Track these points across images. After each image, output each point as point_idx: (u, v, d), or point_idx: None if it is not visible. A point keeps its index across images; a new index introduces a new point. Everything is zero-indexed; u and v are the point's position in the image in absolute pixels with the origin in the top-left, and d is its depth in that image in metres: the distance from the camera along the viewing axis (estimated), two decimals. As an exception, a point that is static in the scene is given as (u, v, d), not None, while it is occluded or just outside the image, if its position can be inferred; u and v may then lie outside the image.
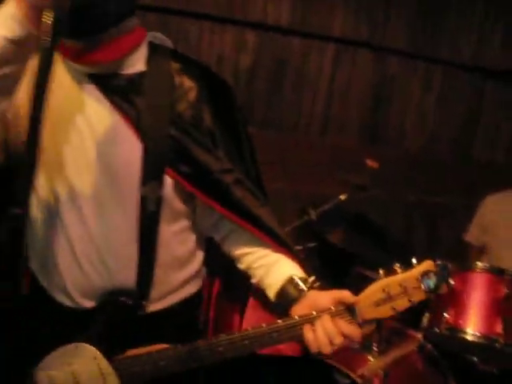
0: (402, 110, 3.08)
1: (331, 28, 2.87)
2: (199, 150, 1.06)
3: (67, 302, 1.09)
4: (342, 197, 2.37)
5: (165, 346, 1.06)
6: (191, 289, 1.20)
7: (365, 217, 2.90)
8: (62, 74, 1.04)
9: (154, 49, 1.09)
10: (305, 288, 1.07)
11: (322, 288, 1.09)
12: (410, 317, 2.17)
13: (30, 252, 1.14)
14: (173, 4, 2.59)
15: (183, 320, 1.20)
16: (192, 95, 1.07)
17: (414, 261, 1.01)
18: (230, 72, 2.81)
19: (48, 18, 0.74)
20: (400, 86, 3.06)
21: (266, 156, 2.89)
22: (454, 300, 1.91)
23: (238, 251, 1.17)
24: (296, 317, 1.03)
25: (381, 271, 1.03)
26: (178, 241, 1.13)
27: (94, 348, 1.05)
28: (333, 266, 2.84)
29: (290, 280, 1.09)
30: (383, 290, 1.00)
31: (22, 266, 1.05)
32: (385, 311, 1.02)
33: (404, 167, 3.09)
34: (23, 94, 0.99)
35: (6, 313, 1.08)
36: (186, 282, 1.18)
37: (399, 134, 3.10)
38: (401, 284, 1.00)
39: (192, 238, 1.16)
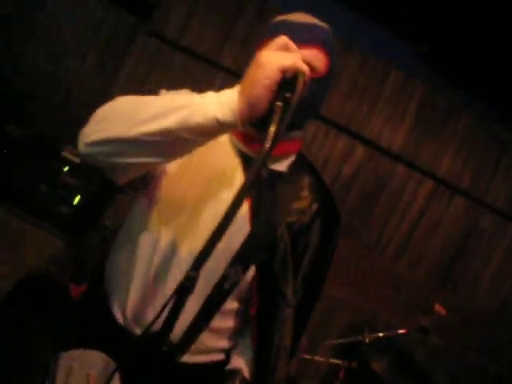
0: (482, 267, 3.06)
1: (436, 166, 2.97)
2: (286, 270, 1.15)
3: (118, 318, 1.18)
4: (401, 331, 2.35)
5: None
6: (221, 356, 1.26)
7: (413, 357, 2.84)
8: (225, 142, 1.19)
9: (300, 159, 1.23)
10: None
11: None
12: None
13: (112, 266, 1.26)
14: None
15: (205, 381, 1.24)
16: (310, 213, 1.18)
17: None
18: (332, 176, 2.96)
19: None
20: (487, 242, 3.06)
21: (337, 262, 2.98)
22: None
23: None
24: None
25: None
26: (229, 316, 1.20)
27: (116, 366, 1.10)
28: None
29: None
30: None
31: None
32: None
33: (470, 323, 3.02)
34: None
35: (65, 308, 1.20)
36: (221, 350, 1.24)
37: (473, 289, 3.05)
38: None
39: (238, 318, 1.23)
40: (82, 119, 2.64)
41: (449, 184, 2.99)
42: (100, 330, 1.20)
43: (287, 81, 0.89)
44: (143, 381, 1.11)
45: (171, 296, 0.85)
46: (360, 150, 2.97)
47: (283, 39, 0.95)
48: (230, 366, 1.23)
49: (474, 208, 3.03)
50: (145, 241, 1.17)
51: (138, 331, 1.16)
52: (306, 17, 1.15)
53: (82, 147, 1.03)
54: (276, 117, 0.85)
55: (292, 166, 1.20)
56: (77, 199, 2.42)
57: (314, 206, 1.18)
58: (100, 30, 2.98)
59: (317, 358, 2.61)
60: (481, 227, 3.06)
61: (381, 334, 2.36)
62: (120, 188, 2.68)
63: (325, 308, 2.95)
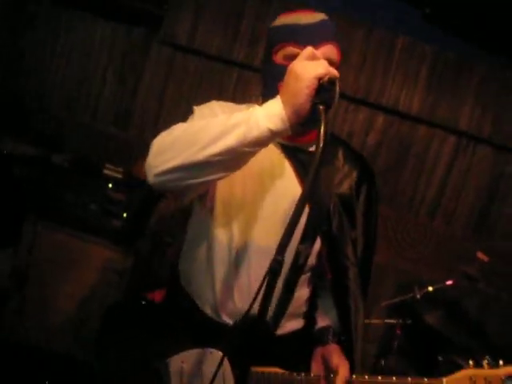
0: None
1: (456, 121, 3.05)
2: (344, 234, 1.35)
3: (210, 314, 1.34)
4: (449, 282, 2.48)
5: (280, 370, 1.29)
6: (303, 322, 1.44)
7: (465, 306, 2.96)
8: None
9: (331, 137, 1.39)
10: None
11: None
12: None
13: (188, 268, 1.42)
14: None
15: (293, 348, 1.41)
16: (352, 181, 1.38)
17: (501, 362, 1.16)
18: (357, 147, 3.05)
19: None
20: (517, 185, 3.14)
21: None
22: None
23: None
24: (425, 379, 1.21)
25: (471, 362, 1.18)
26: (305, 286, 1.39)
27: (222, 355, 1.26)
28: (425, 347, 2.90)
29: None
30: (470, 379, 1.15)
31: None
32: None
33: (510, 265, 3.12)
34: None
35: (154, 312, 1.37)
36: (301, 317, 1.43)
37: (509, 232, 3.14)
38: (486, 378, 1.14)
39: (312, 285, 1.43)
40: (113, 135, 2.82)
41: (471, 135, 3.07)
42: (194, 327, 1.35)
43: (324, 85, 1.04)
44: (250, 363, 1.25)
45: (263, 280, 0.98)
46: (380, 119, 3.07)
47: (309, 50, 1.10)
48: (318, 326, 1.43)
49: (499, 154, 3.11)
50: (217, 240, 1.33)
51: (229, 320, 1.32)
52: (308, 15, 1.26)
53: (151, 178, 1.14)
54: (322, 119, 1.01)
55: (327, 146, 1.34)
56: (126, 211, 2.58)
57: (354, 173, 1.39)
58: (114, 48, 3.11)
59: (373, 321, 2.76)
60: (508, 172, 3.14)
61: (430, 289, 2.50)
62: (162, 195, 2.84)
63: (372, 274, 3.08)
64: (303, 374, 1.28)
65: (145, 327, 1.42)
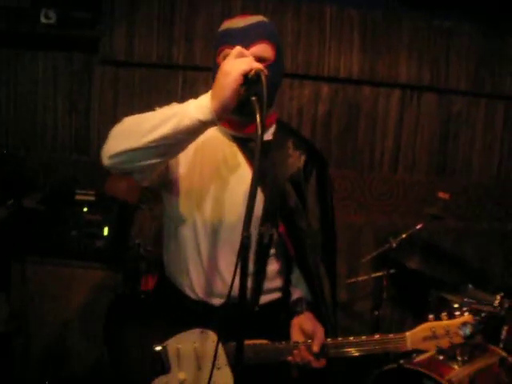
0: (469, 146, 3.33)
1: (397, 75, 3.20)
2: (298, 211, 1.49)
3: (193, 297, 1.48)
4: (419, 226, 2.64)
5: (264, 341, 1.44)
6: (276, 296, 1.57)
7: (438, 245, 3.15)
8: (216, 133, 1.49)
9: (280, 125, 1.55)
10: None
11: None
12: (490, 332, 2.38)
13: (167, 259, 1.58)
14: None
15: (274, 318, 1.55)
16: (301, 164, 1.50)
17: (457, 313, 1.36)
18: (309, 120, 3.20)
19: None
20: (465, 121, 3.32)
21: (343, 193, 3.26)
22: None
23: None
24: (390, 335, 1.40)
25: (430, 316, 1.38)
26: (275, 261, 1.53)
27: (214, 334, 1.44)
28: (413, 291, 3.08)
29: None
30: (430, 330, 1.35)
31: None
32: (429, 346, 1.36)
33: (474, 196, 3.31)
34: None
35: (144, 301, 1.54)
36: (278, 289, 1.57)
37: (468, 166, 3.33)
38: (444, 328, 1.34)
39: (282, 259, 1.56)
40: (76, 161, 2.91)
41: (413, 86, 3.23)
42: (183, 311, 1.49)
43: (251, 79, 1.18)
44: (237, 337, 1.39)
45: (238, 256, 1.10)
46: (325, 89, 3.21)
47: (237, 49, 1.24)
48: (293, 298, 1.57)
49: (443, 97, 3.28)
50: (185, 230, 1.49)
51: (209, 299, 1.47)
52: (245, 18, 1.42)
53: (105, 161, 1.31)
54: (256, 108, 1.14)
55: (276, 134, 1.52)
56: (105, 230, 2.67)
57: (303, 157, 1.51)
58: (58, 77, 3.17)
59: (360, 278, 2.93)
60: (456, 112, 3.31)
61: (403, 236, 2.66)
62: (136, 206, 2.94)
63: (350, 236, 3.24)
64: (284, 342, 1.43)
65: (143, 317, 1.57)
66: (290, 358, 1.42)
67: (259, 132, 1.10)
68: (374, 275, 2.87)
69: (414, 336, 1.36)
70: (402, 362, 2.20)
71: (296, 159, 1.50)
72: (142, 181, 1.41)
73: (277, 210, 1.45)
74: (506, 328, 2.16)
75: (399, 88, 3.25)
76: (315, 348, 1.38)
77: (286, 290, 1.60)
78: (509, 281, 3.30)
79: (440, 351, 1.60)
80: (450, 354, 2.13)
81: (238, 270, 1.13)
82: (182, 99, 3.00)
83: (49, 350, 2.65)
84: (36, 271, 2.63)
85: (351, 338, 1.40)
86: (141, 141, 1.23)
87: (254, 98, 1.17)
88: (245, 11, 3.02)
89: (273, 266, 1.52)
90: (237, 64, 1.19)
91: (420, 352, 2.21)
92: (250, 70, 1.18)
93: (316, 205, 1.52)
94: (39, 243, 2.64)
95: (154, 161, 1.28)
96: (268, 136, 1.50)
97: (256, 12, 2.99)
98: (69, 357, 2.65)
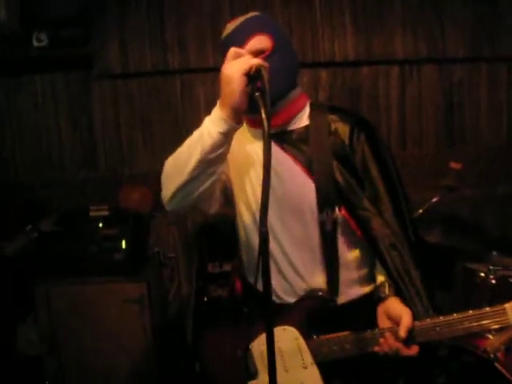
0: (474, 110, 3.28)
1: (393, 51, 3.17)
2: (351, 188, 1.40)
3: (273, 298, 1.45)
4: (435, 199, 2.61)
5: (349, 332, 1.36)
6: (366, 289, 1.50)
7: (457, 215, 3.11)
8: (248, 137, 1.49)
9: (314, 107, 1.48)
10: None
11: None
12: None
13: (244, 260, 1.60)
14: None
15: (363, 313, 1.46)
16: (346, 136, 1.41)
17: None
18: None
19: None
20: (468, 88, 3.27)
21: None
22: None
23: None
24: (487, 308, 1.25)
25: None
26: (348, 249, 1.45)
27: (295, 330, 1.40)
28: (437, 265, 3.05)
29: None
30: None
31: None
32: None
33: (487, 162, 3.27)
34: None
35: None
36: (362, 281, 1.49)
37: (476, 133, 3.29)
38: None
39: (360, 246, 1.46)
40: (86, 178, 2.89)
41: (411, 60, 3.20)
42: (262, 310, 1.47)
43: (253, 76, 1.18)
44: (320, 331, 1.39)
45: (259, 253, 1.09)
46: (323, 75, 3.19)
47: (232, 50, 1.26)
48: (376, 284, 1.46)
49: (443, 68, 3.24)
50: (254, 237, 1.47)
51: (286, 296, 1.46)
52: (239, 18, 1.42)
53: (167, 207, 1.41)
54: (260, 103, 1.13)
55: (312, 116, 1.45)
56: (123, 243, 2.68)
57: (347, 128, 1.41)
58: (57, 97, 3.19)
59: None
60: (457, 80, 3.27)
61: (420, 211, 2.63)
62: (150, 215, 2.95)
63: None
64: (369, 331, 1.34)
65: (227, 321, 1.59)
66: (376, 348, 1.33)
67: (266, 128, 1.08)
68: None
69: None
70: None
71: (340, 133, 1.42)
72: (210, 208, 1.48)
73: (331, 193, 1.39)
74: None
75: (397, 64, 3.22)
76: (402, 333, 1.26)
77: (374, 283, 1.49)
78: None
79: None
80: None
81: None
82: (181, 102, 3.06)
83: (84, 368, 2.67)
84: (59, 292, 2.64)
85: (441, 318, 1.27)
86: (184, 176, 1.30)
87: (257, 94, 1.17)
88: (233, 9, 3.03)
89: (348, 256, 1.45)
90: (235, 66, 1.20)
91: None
92: (250, 68, 1.18)
93: (375, 167, 1.41)
94: (60, 264, 2.65)
95: (205, 185, 1.34)
96: (303, 121, 1.45)
97: (244, 7, 3.04)
98: (106, 372, 2.66)
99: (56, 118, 3.21)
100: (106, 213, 2.74)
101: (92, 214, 2.77)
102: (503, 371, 1.98)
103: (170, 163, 1.39)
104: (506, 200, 3.27)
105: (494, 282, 2.15)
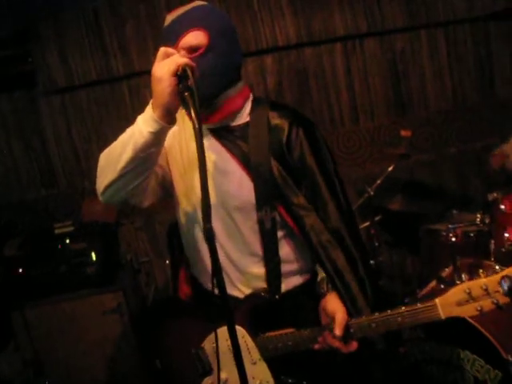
0: (419, 77, 3.36)
1: (334, 29, 3.21)
2: (287, 186, 1.41)
3: (216, 292, 1.46)
4: (390, 168, 2.69)
5: (292, 330, 1.39)
6: (306, 277, 1.52)
7: (416, 181, 3.20)
8: (191, 131, 1.41)
9: (256, 102, 1.48)
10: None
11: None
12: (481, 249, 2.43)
13: (189, 258, 1.60)
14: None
15: (303, 303, 1.50)
16: (284, 133, 1.42)
17: (497, 267, 1.22)
18: (261, 95, 3.21)
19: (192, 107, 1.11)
20: (411, 57, 3.35)
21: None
22: (510, 221, 2.18)
23: None
24: (418, 304, 1.27)
25: (463, 275, 1.26)
26: (287, 244, 1.47)
27: (242, 329, 1.41)
28: (402, 231, 3.15)
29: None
30: (465, 292, 1.18)
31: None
32: (467, 310, 1.19)
33: (437, 126, 3.37)
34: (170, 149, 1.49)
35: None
36: (302, 271, 1.52)
37: (423, 99, 3.37)
38: (482, 286, 1.16)
39: (295, 242, 1.48)
40: (47, 196, 2.87)
41: (352, 36, 3.25)
42: (209, 307, 1.44)
43: (181, 75, 1.18)
44: (265, 329, 1.41)
45: (210, 248, 1.08)
46: (269, 61, 3.22)
47: (161, 50, 1.24)
48: (318, 278, 1.49)
49: (384, 40, 3.31)
50: (194, 230, 1.50)
51: (233, 292, 1.47)
52: (173, 13, 1.38)
53: (101, 199, 1.42)
54: (190, 102, 1.14)
55: (252, 113, 1.46)
56: (93, 256, 2.67)
57: (286, 125, 1.42)
58: (4, 119, 3.13)
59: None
60: (399, 50, 3.34)
61: (378, 181, 2.71)
62: (117, 224, 2.94)
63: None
64: (309, 329, 1.35)
65: (180, 321, 1.58)
66: (316, 346, 1.35)
67: (196, 125, 1.08)
68: (361, 227, 2.92)
69: (444, 302, 1.21)
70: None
71: (279, 130, 1.42)
72: (141, 203, 1.48)
73: (269, 191, 1.40)
74: (492, 242, 2.21)
75: (340, 41, 3.27)
76: (337, 332, 1.28)
77: (313, 272, 1.52)
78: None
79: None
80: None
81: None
82: (132, 108, 3.04)
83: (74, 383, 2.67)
84: (37, 314, 2.62)
85: (376, 315, 1.29)
86: (115, 172, 1.32)
87: (186, 94, 1.16)
88: (169, 7, 3.01)
89: (287, 249, 1.47)
90: (164, 66, 1.19)
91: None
92: (178, 68, 1.17)
93: (314, 163, 1.42)
94: (32, 287, 2.63)
95: (136, 182, 1.36)
96: (244, 118, 1.45)
97: (180, 4, 3.02)
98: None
99: (7, 140, 3.15)
100: (71, 228, 2.72)
101: (57, 231, 2.75)
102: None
103: (103, 157, 1.39)
104: (459, 159, 3.38)
105: (454, 239, 2.22)
